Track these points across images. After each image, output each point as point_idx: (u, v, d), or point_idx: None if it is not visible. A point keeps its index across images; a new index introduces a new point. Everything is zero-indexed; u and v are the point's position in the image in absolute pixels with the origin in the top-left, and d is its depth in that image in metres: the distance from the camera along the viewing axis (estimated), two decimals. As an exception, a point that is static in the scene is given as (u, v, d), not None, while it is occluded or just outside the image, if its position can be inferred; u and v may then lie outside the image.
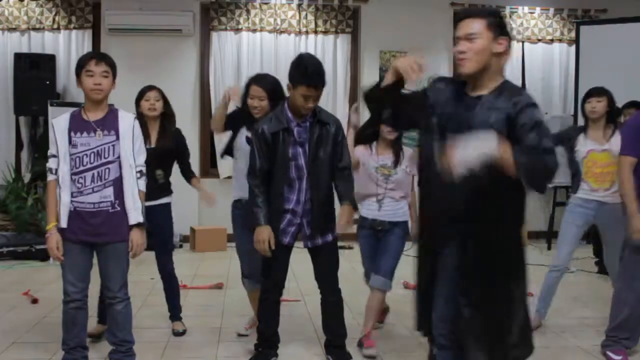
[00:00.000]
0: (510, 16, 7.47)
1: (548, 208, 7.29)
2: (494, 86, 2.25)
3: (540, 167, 2.18)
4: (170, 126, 3.73)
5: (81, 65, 2.88)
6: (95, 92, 2.87)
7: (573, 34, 7.29)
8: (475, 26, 2.20)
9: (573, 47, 7.23)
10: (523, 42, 7.53)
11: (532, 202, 8.39)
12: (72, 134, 2.88)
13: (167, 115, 3.73)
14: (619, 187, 3.35)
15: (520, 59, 7.55)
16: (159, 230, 3.68)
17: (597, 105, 3.84)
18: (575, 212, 3.87)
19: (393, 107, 2.44)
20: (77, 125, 2.90)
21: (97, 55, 2.95)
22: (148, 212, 3.13)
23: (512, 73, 7.51)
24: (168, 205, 3.74)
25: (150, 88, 3.71)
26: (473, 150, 2.06)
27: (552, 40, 7.56)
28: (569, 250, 3.86)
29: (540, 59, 7.57)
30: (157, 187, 3.59)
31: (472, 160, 2.05)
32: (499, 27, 2.23)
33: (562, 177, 7.72)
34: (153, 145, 3.58)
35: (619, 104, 5.68)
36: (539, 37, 7.53)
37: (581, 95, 6.59)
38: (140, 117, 3.53)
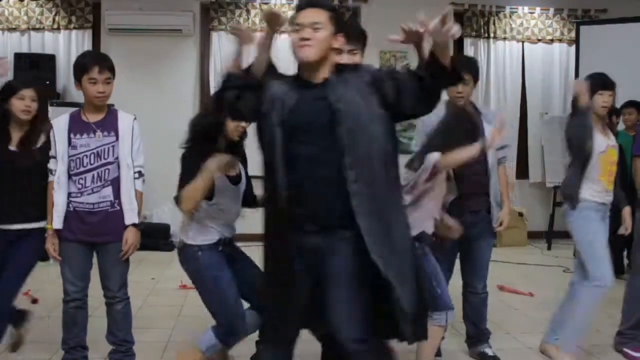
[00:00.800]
0: (510, 16, 7.47)
1: (548, 208, 7.29)
2: (331, 71, 2.26)
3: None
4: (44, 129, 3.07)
5: (82, 69, 2.84)
6: (98, 100, 2.87)
7: (573, 34, 7.30)
8: (320, 17, 2.21)
9: (573, 47, 7.24)
10: (523, 42, 7.53)
11: (532, 202, 8.32)
12: (72, 135, 2.88)
13: (42, 117, 3.12)
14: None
15: (520, 59, 7.56)
16: (27, 258, 3.09)
17: (609, 100, 3.33)
18: (596, 219, 3.28)
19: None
20: (77, 126, 2.89)
21: (98, 60, 2.88)
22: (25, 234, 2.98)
23: (512, 73, 7.53)
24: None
25: (26, 85, 3.04)
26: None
27: (552, 40, 7.56)
28: (610, 266, 3.24)
29: (540, 59, 7.57)
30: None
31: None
32: (338, 23, 2.26)
33: (562, 177, 7.71)
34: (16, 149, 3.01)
35: (619, 103, 5.71)
36: (539, 37, 7.53)
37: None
38: (4, 116, 3.01)
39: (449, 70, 2.20)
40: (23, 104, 2.98)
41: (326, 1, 2.28)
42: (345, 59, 2.48)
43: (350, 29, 2.55)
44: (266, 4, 7.10)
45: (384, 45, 7.30)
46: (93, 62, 2.85)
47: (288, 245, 2.23)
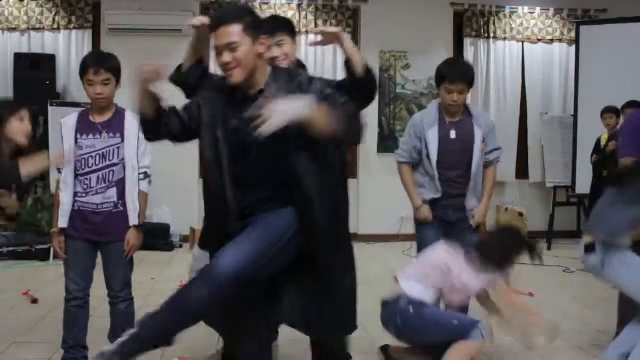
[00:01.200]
0: (510, 16, 7.47)
1: (548, 208, 7.29)
2: (267, 78, 2.24)
3: (351, 114, 2.14)
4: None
5: (81, 71, 2.85)
6: (97, 101, 2.87)
7: (573, 34, 7.29)
8: (233, 34, 2.13)
9: (573, 47, 7.23)
10: (523, 42, 7.53)
11: (532, 202, 8.30)
12: (79, 135, 2.89)
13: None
14: None
15: (520, 59, 7.56)
16: None
17: None
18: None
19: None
20: (84, 126, 2.90)
21: (96, 61, 2.84)
22: None
23: (512, 73, 7.53)
24: None
25: (22, 105, 2.80)
26: (290, 105, 2.02)
27: (552, 40, 7.56)
28: None
29: (540, 59, 7.56)
30: None
31: (288, 114, 2.01)
32: (256, 28, 2.19)
33: (562, 178, 7.75)
34: None
35: (619, 104, 5.72)
36: (539, 37, 7.53)
37: (581, 95, 6.73)
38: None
39: (361, 79, 2.27)
40: (23, 126, 2.68)
41: (235, 12, 2.20)
42: (275, 52, 2.50)
43: (272, 24, 2.53)
44: (266, 4, 7.10)
45: (383, 45, 7.30)
46: (90, 63, 2.84)
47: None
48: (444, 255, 2.73)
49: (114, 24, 6.86)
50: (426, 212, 3.29)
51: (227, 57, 2.15)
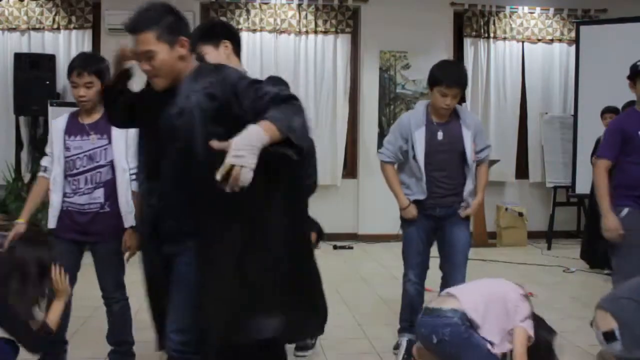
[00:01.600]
0: (510, 16, 7.47)
1: (548, 208, 7.29)
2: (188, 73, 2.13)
3: (290, 110, 1.92)
4: None
5: (68, 72, 2.85)
6: (80, 104, 2.87)
7: (573, 34, 7.30)
8: (148, 42, 2.03)
9: (573, 47, 7.23)
10: (523, 42, 7.53)
11: (532, 202, 8.28)
12: (67, 136, 2.88)
13: None
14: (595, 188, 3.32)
15: (520, 59, 7.56)
16: None
17: None
18: None
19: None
20: (73, 127, 2.90)
21: (81, 64, 2.83)
22: None
23: (512, 73, 7.53)
24: None
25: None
26: (246, 149, 1.78)
27: (552, 40, 7.56)
28: None
29: (540, 59, 7.57)
30: None
31: (254, 149, 1.79)
32: (173, 31, 2.05)
33: (561, 177, 7.74)
34: None
35: (619, 104, 5.72)
36: (539, 37, 7.53)
37: (581, 95, 6.73)
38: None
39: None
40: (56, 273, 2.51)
41: (150, 17, 2.05)
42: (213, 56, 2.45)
43: (200, 29, 2.50)
44: (266, 4, 7.10)
45: (383, 45, 7.30)
46: (74, 66, 2.83)
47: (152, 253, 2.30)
48: (512, 297, 2.75)
49: (114, 24, 6.83)
50: (414, 212, 3.32)
51: (145, 65, 2.08)
